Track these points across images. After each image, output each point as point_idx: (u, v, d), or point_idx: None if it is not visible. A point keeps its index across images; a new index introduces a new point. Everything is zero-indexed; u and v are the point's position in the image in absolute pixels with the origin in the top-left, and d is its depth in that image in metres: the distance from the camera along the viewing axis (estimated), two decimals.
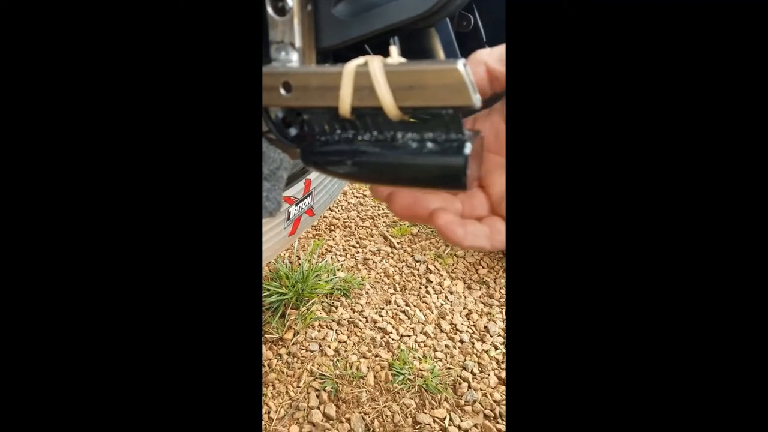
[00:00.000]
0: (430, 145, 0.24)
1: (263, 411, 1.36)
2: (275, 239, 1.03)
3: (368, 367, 1.52)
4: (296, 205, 1.05)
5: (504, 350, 1.61)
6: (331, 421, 1.34)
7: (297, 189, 1.01)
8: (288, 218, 1.04)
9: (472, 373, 1.52)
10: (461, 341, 1.65)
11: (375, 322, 1.72)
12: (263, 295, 1.68)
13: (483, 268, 2.05)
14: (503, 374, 1.52)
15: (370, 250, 2.13)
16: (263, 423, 1.33)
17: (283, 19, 0.30)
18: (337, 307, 1.77)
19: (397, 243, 2.18)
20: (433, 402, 1.42)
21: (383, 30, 0.29)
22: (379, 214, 2.36)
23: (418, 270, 2.01)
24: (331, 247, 2.14)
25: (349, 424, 1.34)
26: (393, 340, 1.64)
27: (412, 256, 2.10)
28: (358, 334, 1.66)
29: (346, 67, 0.24)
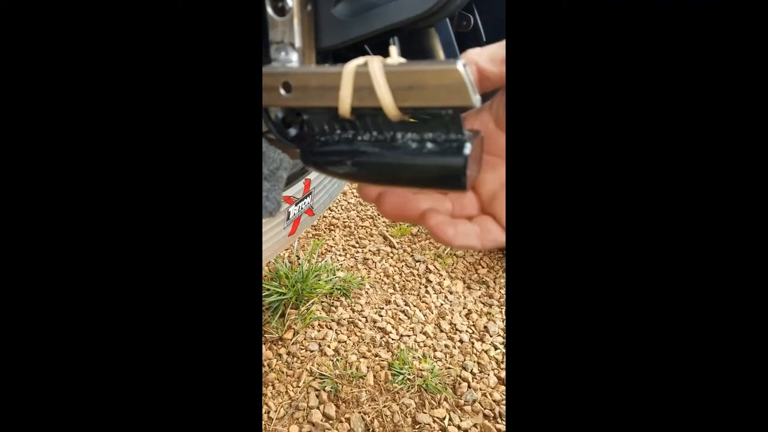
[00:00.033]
0: (429, 145, 0.24)
1: (263, 411, 1.36)
2: (275, 239, 1.03)
3: (368, 367, 1.52)
4: (296, 204, 1.05)
5: (503, 350, 1.61)
6: (330, 421, 1.34)
7: (297, 189, 1.01)
8: (288, 218, 1.04)
9: (471, 372, 1.52)
10: (461, 341, 1.65)
11: (375, 321, 1.72)
12: (263, 294, 1.68)
13: (483, 267, 2.05)
14: (503, 374, 1.52)
15: (369, 250, 2.13)
16: (263, 423, 1.33)
17: (282, 20, 0.30)
18: (336, 307, 1.77)
19: (397, 243, 2.18)
20: (432, 402, 1.42)
21: (383, 30, 0.29)
22: (378, 214, 2.36)
23: (417, 270, 2.01)
24: (331, 246, 2.14)
25: (349, 424, 1.34)
26: (393, 339, 1.64)
27: (412, 255, 2.10)
28: (358, 333, 1.66)
29: (346, 68, 0.24)
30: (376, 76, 0.23)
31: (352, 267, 2.01)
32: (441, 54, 0.35)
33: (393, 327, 1.69)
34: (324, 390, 1.43)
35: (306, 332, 1.64)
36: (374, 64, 0.23)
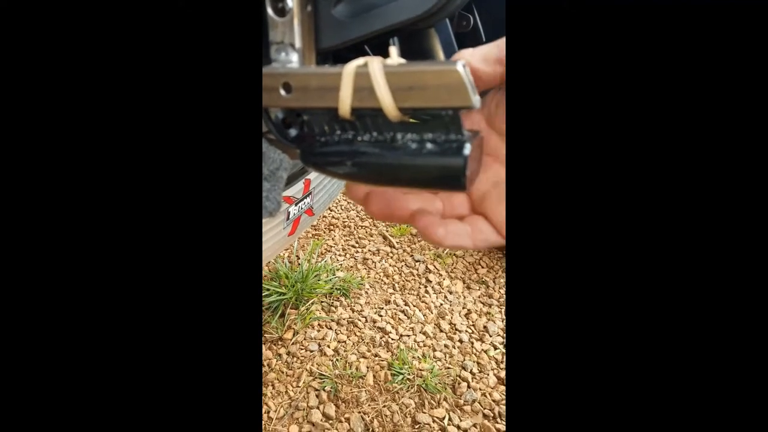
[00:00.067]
0: (429, 145, 0.24)
1: (263, 411, 1.36)
2: (275, 239, 1.03)
3: (367, 367, 1.52)
4: (296, 204, 1.05)
5: (503, 350, 1.61)
6: (330, 421, 1.34)
7: (296, 189, 1.02)
8: (287, 218, 1.04)
9: (471, 372, 1.52)
10: (460, 341, 1.65)
11: (374, 321, 1.72)
12: (263, 294, 1.68)
13: (482, 267, 2.05)
14: (502, 374, 1.52)
15: (369, 250, 2.13)
16: (263, 423, 1.33)
17: (283, 20, 0.30)
18: (336, 307, 1.77)
19: (397, 243, 2.18)
20: (432, 402, 1.42)
21: (383, 31, 0.29)
22: None
23: (417, 270, 2.01)
24: (331, 246, 2.14)
25: (349, 424, 1.34)
26: (392, 339, 1.64)
27: (412, 255, 2.10)
28: (358, 333, 1.66)
29: (346, 68, 0.24)
30: (376, 77, 0.23)
31: (351, 267, 2.01)
32: (441, 54, 0.35)
33: (393, 327, 1.69)
34: (324, 390, 1.43)
35: (306, 332, 1.64)
36: (374, 64, 0.23)
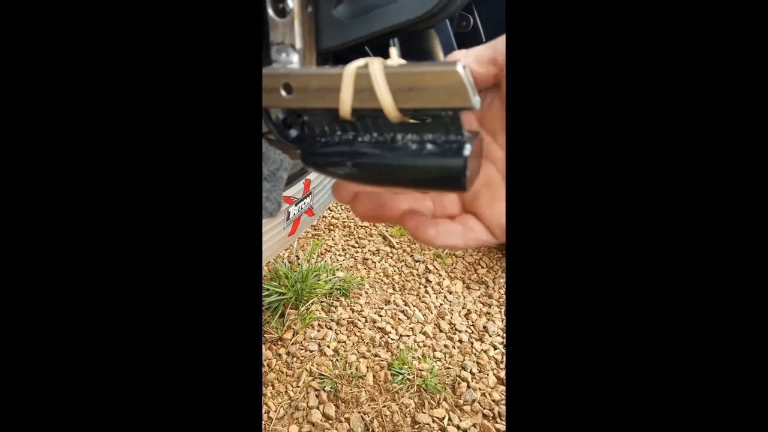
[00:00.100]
0: (429, 146, 0.24)
1: (263, 411, 1.36)
2: (275, 239, 1.03)
3: (367, 367, 1.53)
4: (296, 205, 1.05)
5: (503, 350, 1.61)
6: (330, 421, 1.34)
7: (297, 189, 1.02)
8: (287, 218, 1.04)
9: (471, 372, 1.52)
10: (460, 341, 1.66)
11: (374, 321, 1.72)
12: (263, 294, 1.68)
13: (482, 267, 2.05)
14: (502, 374, 1.52)
15: (369, 250, 2.13)
16: (263, 423, 1.33)
17: (283, 21, 0.30)
18: (336, 307, 1.77)
19: (396, 243, 2.18)
20: (432, 402, 1.42)
21: (383, 32, 0.29)
22: None
23: (417, 270, 2.01)
24: (331, 246, 2.14)
25: (349, 424, 1.34)
26: (392, 339, 1.64)
27: (411, 255, 2.10)
28: (358, 333, 1.67)
29: (347, 69, 0.24)
30: (377, 78, 0.23)
31: (351, 267, 2.01)
32: (441, 55, 0.35)
33: (392, 327, 1.70)
34: (323, 390, 1.43)
35: (305, 332, 1.64)
36: (375, 65, 0.23)
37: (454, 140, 0.24)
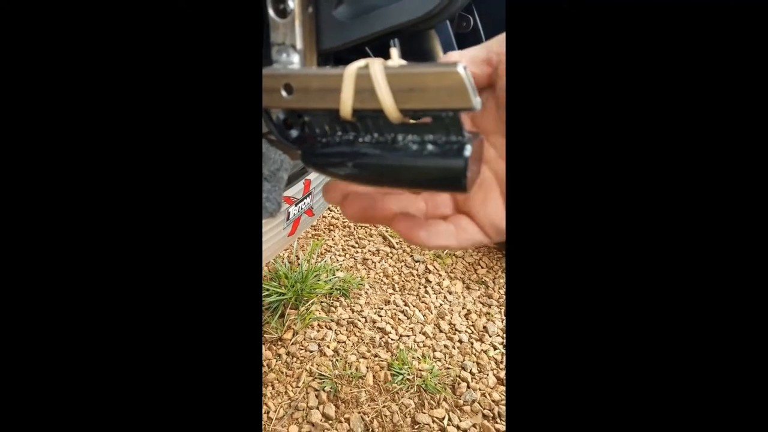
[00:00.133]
0: (430, 147, 0.24)
1: (263, 411, 1.36)
2: (275, 239, 1.03)
3: (367, 367, 1.53)
4: (296, 205, 1.05)
5: (503, 350, 1.61)
6: (330, 421, 1.34)
7: (297, 189, 1.02)
8: (288, 218, 1.04)
9: (470, 373, 1.53)
10: (460, 341, 1.66)
11: (374, 322, 1.72)
12: (262, 295, 1.68)
13: (482, 268, 2.05)
14: (502, 374, 1.52)
15: (369, 250, 2.13)
16: (263, 423, 1.33)
17: (284, 21, 0.30)
18: (336, 307, 1.77)
19: (396, 243, 2.18)
20: (432, 402, 1.42)
21: (384, 32, 0.29)
22: None
23: (417, 270, 2.01)
24: (331, 247, 2.14)
25: (348, 424, 1.34)
26: (392, 340, 1.64)
27: (411, 256, 2.10)
28: (357, 334, 1.67)
29: (347, 70, 0.24)
30: (377, 78, 0.23)
31: (351, 267, 2.01)
32: (441, 56, 0.35)
33: (392, 327, 1.70)
34: (323, 390, 1.43)
35: (305, 332, 1.65)
36: (375, 66, 0.23)
37: (454, 141, 0.24)
